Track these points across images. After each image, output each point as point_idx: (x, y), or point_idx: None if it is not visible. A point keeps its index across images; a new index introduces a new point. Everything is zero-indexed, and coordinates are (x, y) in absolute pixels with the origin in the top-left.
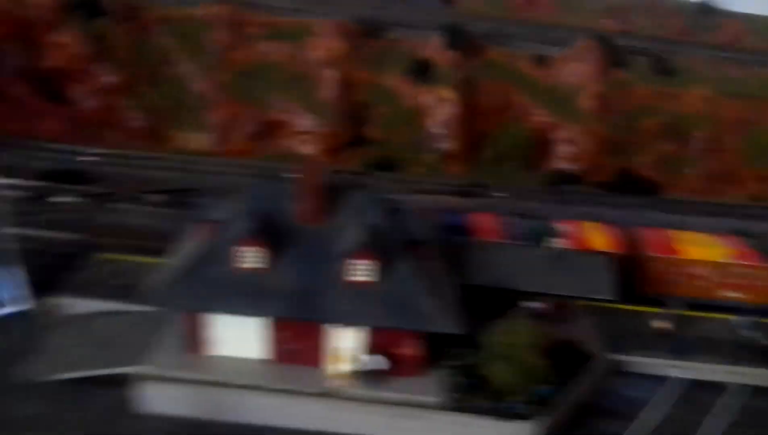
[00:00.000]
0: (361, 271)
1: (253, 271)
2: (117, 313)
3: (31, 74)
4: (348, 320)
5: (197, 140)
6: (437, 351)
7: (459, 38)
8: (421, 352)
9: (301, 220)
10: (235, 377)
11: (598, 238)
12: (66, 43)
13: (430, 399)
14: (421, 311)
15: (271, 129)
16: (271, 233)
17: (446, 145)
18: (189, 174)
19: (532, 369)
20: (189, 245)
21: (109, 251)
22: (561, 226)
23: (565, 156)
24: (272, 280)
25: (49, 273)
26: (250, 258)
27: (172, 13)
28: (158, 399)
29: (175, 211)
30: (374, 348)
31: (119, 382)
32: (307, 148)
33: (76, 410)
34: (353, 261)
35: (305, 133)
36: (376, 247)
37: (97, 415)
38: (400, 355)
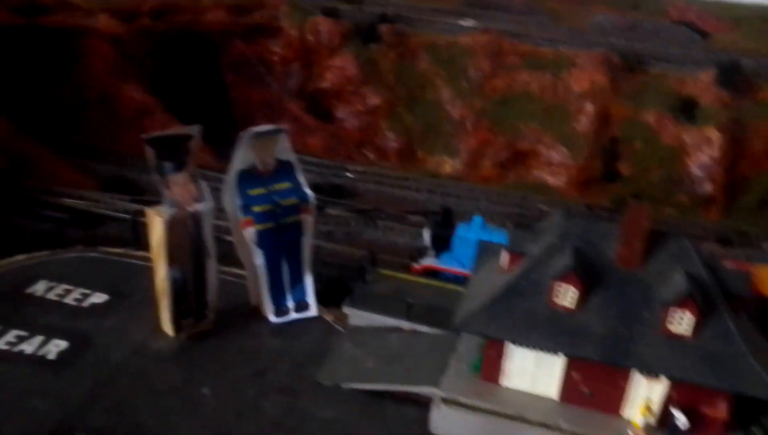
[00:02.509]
0: (681, 321)
1: (566, 309)
2: (407, 331)
3: (306, 93)
4: (661, 371)
5: (448, 164)
6: (744, 415)
7: (730, 75)
8: (729, 415)
9: (619, 263)
10: (531, 413)
11: None
12: (341, 66)
13: None
14: (741, 371)
15: (520, 158)
16: (588, 272)
17: (704, 187)
18: (442, 197)
19: None
20: (486, 272)
21: (383, 267)
22: None
23: None
24: (584, 320)
25: (330, 283)
26: (566, 295)
27: (437, 40)
28: (451, 423)
29: (437, 231)
30: (679, 404)
31: (411, 400)
32: (556, 180)
33: (372, 421)
34: (674, 310)
35: (555, 164)
36: (698, 298)
37: (393, 429)
38: (706, 415)
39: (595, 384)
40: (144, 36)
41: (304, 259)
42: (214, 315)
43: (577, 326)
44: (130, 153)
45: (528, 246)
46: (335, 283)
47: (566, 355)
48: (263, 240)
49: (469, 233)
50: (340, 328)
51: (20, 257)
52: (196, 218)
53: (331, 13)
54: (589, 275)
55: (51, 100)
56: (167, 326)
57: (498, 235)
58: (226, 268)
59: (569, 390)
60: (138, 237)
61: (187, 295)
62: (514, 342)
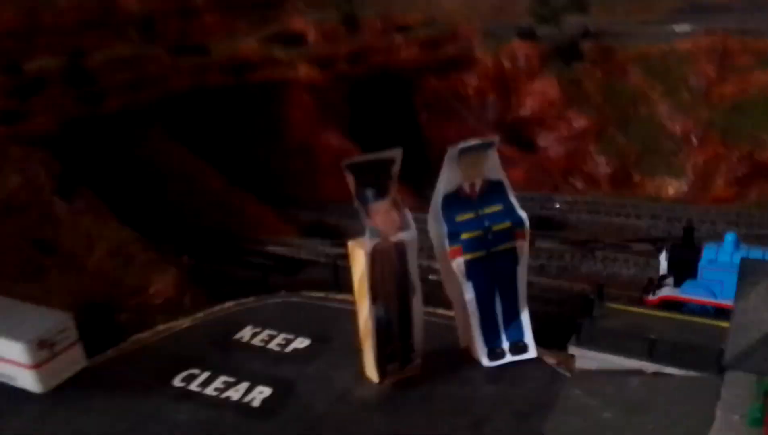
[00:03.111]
0: None
1: None
2: (650, 374)
3: (506, 124)
4: None
5: (671, 186)
6: None
7: None
8: None
9: None
10: None
11: None
12: (542, 90)
13: None
14: None
15: (763, 171)
16: None
17: None
18: (668, 222)
19: None
20: (759, 298)
21: (609, 301)
22: None
23: None
24: None
25: (548, 321)
26: None
27: (649, 51)
28: None
29: (677, 256)
30: None
31: None
32: None
33: None
34: None
35: None
36: None
37: None
38: None
39: None
40: (340, 81)
41: (519, 293)
42: (421, 359)
43: None
44: (330, 199)
45: None
46: (554, 320)
47: None
48: (473, 271)
49: (720, 255)
50: (565, 373)
51: (229, 304)
52: (399, 249)
53: (527, 35)
54: None
55: (256, 152)
56: (371, 372)
57: (759, 255)
58: (430, 309)
59: None
60: (339, 281)
61: (392, 336)
62: None
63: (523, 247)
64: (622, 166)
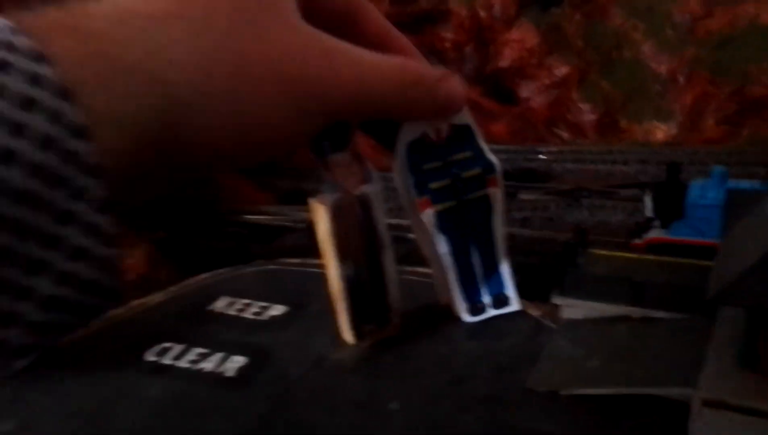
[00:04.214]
0: None
1: None
2: (637, 319)
3: (485, 77)
4: None
5: (659, 129)
6: None
7: None
8: None
9: None
10: None
11: None
12: (520, 38)
13: None
14: None
15: (754, 107)
16: None
17: None
18: (657, 166)
19: None
20: (747, 227)
21: (595, 247)
22: None
23: None
24: None
25: (532, 272)
26: None
27: None
28: (718, 431)
29: (663, 195)
30: None
31: (650, 406)
32: None
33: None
34: None
35: None
36: None
37: None
38: None
39: None
40: None
41: (497, 244)
42: (398, 319)
43: None
44: (307, 165)
45: None
46: (538, 271)
47: None
48: (445, 222)
49: (707, 192)
50: (550, 324)
51: (203, 275)
52: (364, 203)
53: None
54: None
55: None
56: (347, 334)
57: (747, 186)
58: (409, 268)
59: None
60: (314, 245)
61: (366, 295)
62: None
63: (496, 194)
64: (607, 112)
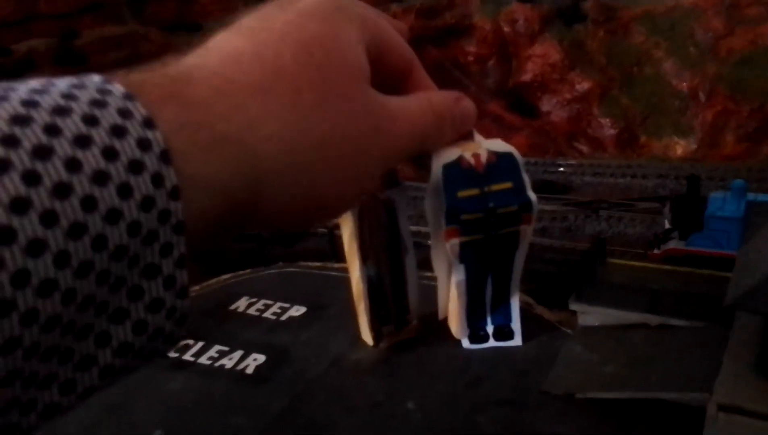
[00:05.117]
0: None
1: None
2: (653, 326)
3: (507, 90)
4: None
5: (679, 145)
6: None
7: None
8: None
9: None
10: None
11: None
12: (543, 53)
13: None
14: None
15: None
16: None
17: None
18: (676, 181)
19: None
20: (765, 238)
21: (613, 257)
22: None
23: None
24: None
25: (549, 279)
26: None
27: (654, 9)
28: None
29: (682, 207)
30: None
31: (664, 411)
32: None
33: None
34: None
35: None
36: None
37: None
38: None
39: None
40: None
41: (513, 278)
42: (417, 322)
43: None
44: None
45: None
46: (556, 278)
47: None
48: (468, 254)
49: (726, 204)
50: (566, 330)
51: (225, 276)
52: (388, 206)
53: None
54: None
55: None
56: (366, 335)
57: (767, 199)
58: (429, 273)
59: None
60: (335, 249)
61: (386, 297)
62: None
63: (526, 230)
64: (627, 127)
